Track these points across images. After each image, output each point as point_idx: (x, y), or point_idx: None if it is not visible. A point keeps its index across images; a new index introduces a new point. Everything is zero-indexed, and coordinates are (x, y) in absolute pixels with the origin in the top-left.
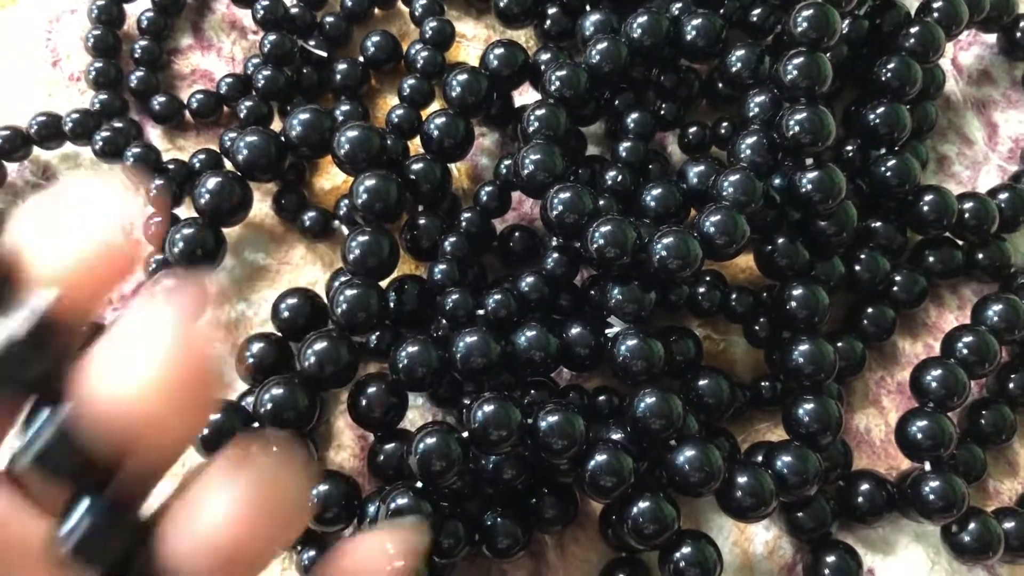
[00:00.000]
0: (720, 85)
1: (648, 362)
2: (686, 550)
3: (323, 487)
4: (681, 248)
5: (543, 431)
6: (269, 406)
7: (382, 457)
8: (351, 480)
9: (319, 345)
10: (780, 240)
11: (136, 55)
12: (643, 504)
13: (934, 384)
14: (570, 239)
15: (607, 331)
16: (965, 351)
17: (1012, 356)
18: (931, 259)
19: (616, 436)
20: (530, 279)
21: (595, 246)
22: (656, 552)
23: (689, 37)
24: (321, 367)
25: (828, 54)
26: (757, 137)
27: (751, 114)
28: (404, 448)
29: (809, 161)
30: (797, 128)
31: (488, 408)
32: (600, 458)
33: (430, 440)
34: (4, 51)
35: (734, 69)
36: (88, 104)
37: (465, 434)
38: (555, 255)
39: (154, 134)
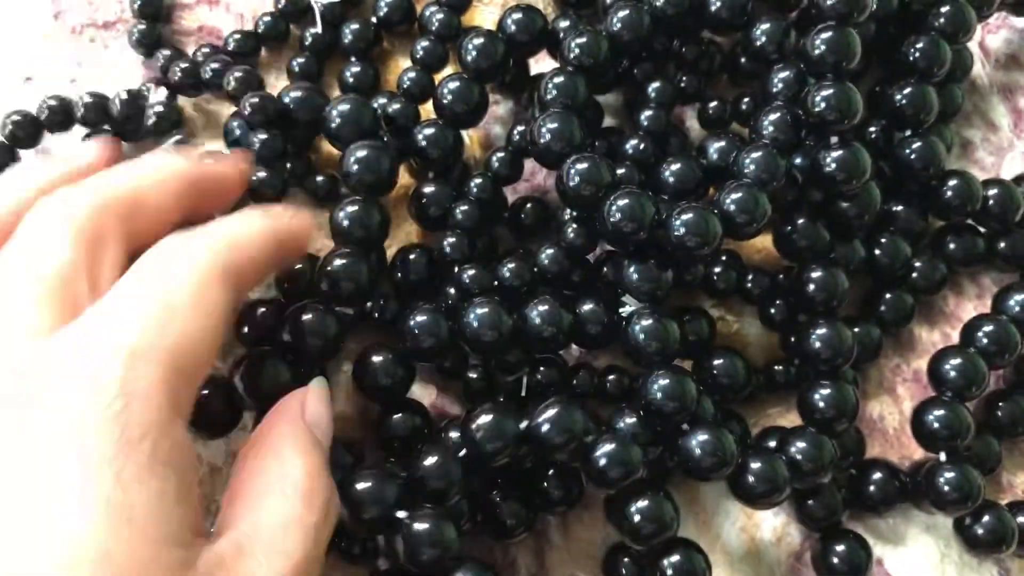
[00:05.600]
0: (743, 59)
1: (663, 343)
2: (675, 558)
3: None
4: (700, 225)
5: (542, 427)
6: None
7: (389, 428)
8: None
9: (305, 317)
10: (800, 220)
11: (137, 5)
12: (642, 502)
13: (953, 373)
14: (586, 212)
15: (621, 309)
16: (985, 340)
17: None
18: (952, 246)
19: (628, 420)
20: (550, 251)
21: (612, 220)
22: None
23: (713, 8)
24: (304, 340)
25: (857, 30)
26: (781, 113)
27: (775, 90)
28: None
29: (834, 139)
30: (823, 105)
31: (483, 419)
32: (607, 448)
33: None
34: (5, 3)
35: (759, 43)
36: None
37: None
38: (574, 226)
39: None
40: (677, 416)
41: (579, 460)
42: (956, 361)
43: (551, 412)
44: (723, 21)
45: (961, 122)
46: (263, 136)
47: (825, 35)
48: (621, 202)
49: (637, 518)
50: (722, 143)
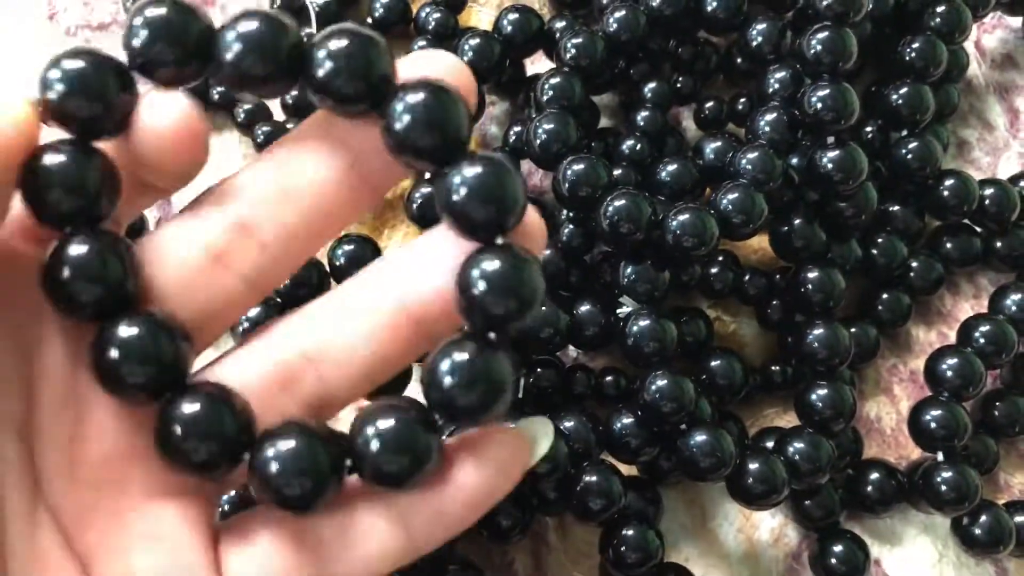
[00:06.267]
0: (739, 60)
1: (661, 344)
2: None
3: None
4: (697, 226)
5: None
6: None
7: None
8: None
9: None
10: (796, 221)
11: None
12: (628, 532)
13: (950, 373)
14: (583, 213)
15: (618, 310)
16: (982, 340)
17: None
18: (948, 246)
19: (625, 420)
20: (546, 252)
21: (608, 221)
22: None
23: (709, 8)
24: None
25: (853, 30)
26: (777, 114)
27: (771, 90)
28: None
29: (830, 139)
30: (820, 105)
31: None
32: (588, 480)
33: None
34: (0, 4)
35: (755, 43)
36: None
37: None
38: (570, 227)
39: None
40: (675, 417)
41: (561, 490)
42: (953, 361)
43: None
44: (719, 21)
45: (957, 122)
46: None
47: (821, 35)
48: (618, 203)
49: (622, 548)
50: (718, 143)
